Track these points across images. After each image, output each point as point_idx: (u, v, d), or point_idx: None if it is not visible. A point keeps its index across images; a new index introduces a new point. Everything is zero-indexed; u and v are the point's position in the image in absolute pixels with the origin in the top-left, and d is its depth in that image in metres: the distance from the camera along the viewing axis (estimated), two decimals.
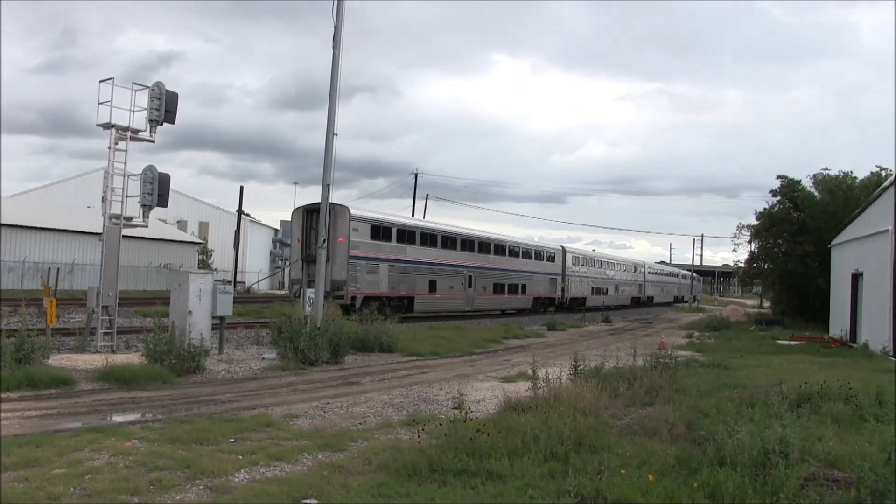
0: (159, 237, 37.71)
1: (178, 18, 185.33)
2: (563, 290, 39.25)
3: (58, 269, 20.26)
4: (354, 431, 7.37)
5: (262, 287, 45.29)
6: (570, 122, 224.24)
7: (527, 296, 34.83)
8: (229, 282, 29.98)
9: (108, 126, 13.16)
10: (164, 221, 42.26)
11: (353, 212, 23.05)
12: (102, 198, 13.46)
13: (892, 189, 17.05)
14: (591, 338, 23.13)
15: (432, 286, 26.77)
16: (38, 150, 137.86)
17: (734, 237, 39.49)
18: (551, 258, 38.31)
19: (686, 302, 64.45)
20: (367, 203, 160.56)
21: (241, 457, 6.07)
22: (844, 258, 24.05)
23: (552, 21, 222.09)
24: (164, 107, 13.42)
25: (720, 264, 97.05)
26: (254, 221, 52.67)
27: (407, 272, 25.42)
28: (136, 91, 13.44)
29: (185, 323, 12.18)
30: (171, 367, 10.69)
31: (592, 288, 44.36)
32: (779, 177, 34.34)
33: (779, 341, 21.48)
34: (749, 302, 72.59)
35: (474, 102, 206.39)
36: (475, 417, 7.12)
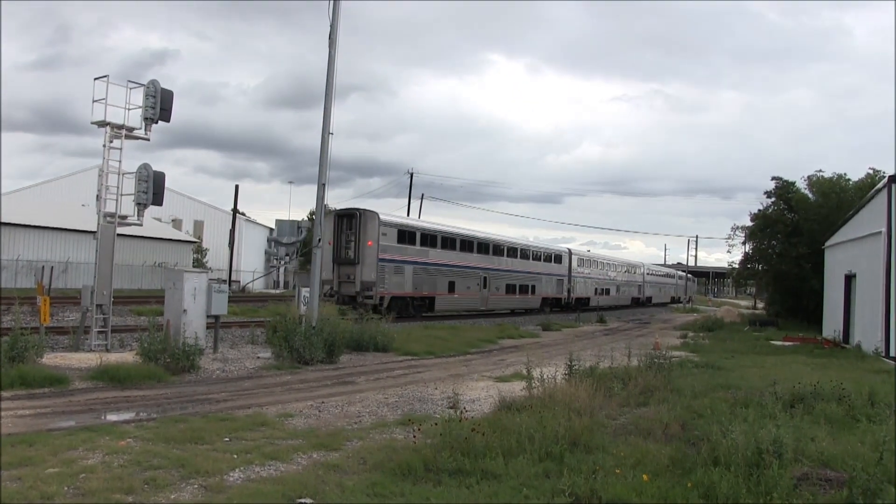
0: (154, 236, 37.56)
1: (172, 16, 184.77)
2: (569, 291, 40.55)
3: (52, 267, 20.15)
4: (349, 431, 7.37)
5: (257, 286, 45.19)
6: (565, 122, 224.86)
7: (536, 296, 36.21)
8: (224, 281, 29.98)
9: (102, 124, 13.10)
10: (159, 220, 42.09)
11: (382, 217, 24.37)
12: (97, 196, 13.40)
13: (885, 191, 17.16)
14: (586, 338, 23.18)
15: (451, 287, 28.19)
16: (32, 148, 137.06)
17: (729, 238, 39.68)
18: (558, 260, 39.67)
19: (681, 302, 65.06)
20: (362, 202, 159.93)
21: (235, 456, 6.05)
22: (838, 259, 24.19)
23: (547, 21, 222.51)
24: (160, 105, 13.37)
25: (715, 265, 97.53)
26: (249, 220, 52.55)
27: (429, 273, 26.78)
28: (130, 89, 13.39)
29: (180, 322, 12.14)
30: (165, 366, 10.65)
31: (596, 288, 45.65)
32: (773, 178, 34.54)
33: (773, 342, 21.57)
34: (743, 303, 72.93)
35: (469, 102, 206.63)
36: (470, 417, 7.13)
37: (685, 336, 24.20)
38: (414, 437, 6.38)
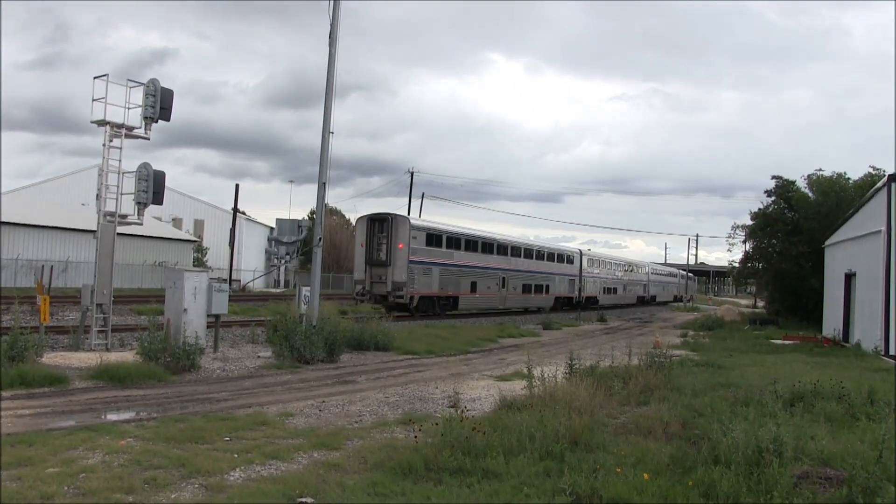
0: (154, 235, 37.53)
1: (171, 15, 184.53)
2: (580, 290, 41.99)
3: (51, 266, 20.13)
4: (350, 430, 7.37)
5: (258, 285, 45.17)
6: (564, 121, 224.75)
7: (550, 295, 37.84)
8: (224, 280, 29.97)
9: (102, 123, 13.08)
10: (159, 219, 42.05)
11: (412, 222, 26.15)
12: (97, 195, 13.39)
13: (885, 190, 17.15)
14: (586, 337, 23.18)
15: (473, 287, 29.75)
16: (31, 148, 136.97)
17: (729, 237, 39.81)
18: (570, 261, 41.31)
19: (682, 301, 65.51)
20: (362, 201, 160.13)
21: (236, 455, 6.05)
22: (838, 258, 24.18)
23: (547, 21, 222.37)
24: (160, 104, 13.35)
25: (715, 264, 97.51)
26: (249, 219, 52.50)
27: (454, 274, 28.31)
28: (130, 88, 13.37)
29: (181, 321, 12.14)
30: (165, 366, 10.65)
31: (604, 288, 47.32)
32: (773, 177, 34.55)
33: (773, 341, 21.57)
34: (743, 301, 72.95)
35: (469, 101, 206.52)
36: (471, 416, 7.12)
37: (685, 335, 24.20)
38: (415, 436, 6.38)
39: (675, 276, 70.55)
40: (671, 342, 20.04)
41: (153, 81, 13.45)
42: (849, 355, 16.89)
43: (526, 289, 34.80)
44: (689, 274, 74.96)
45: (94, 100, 13.08)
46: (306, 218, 54.21)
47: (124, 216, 13.60)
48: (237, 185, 45.33)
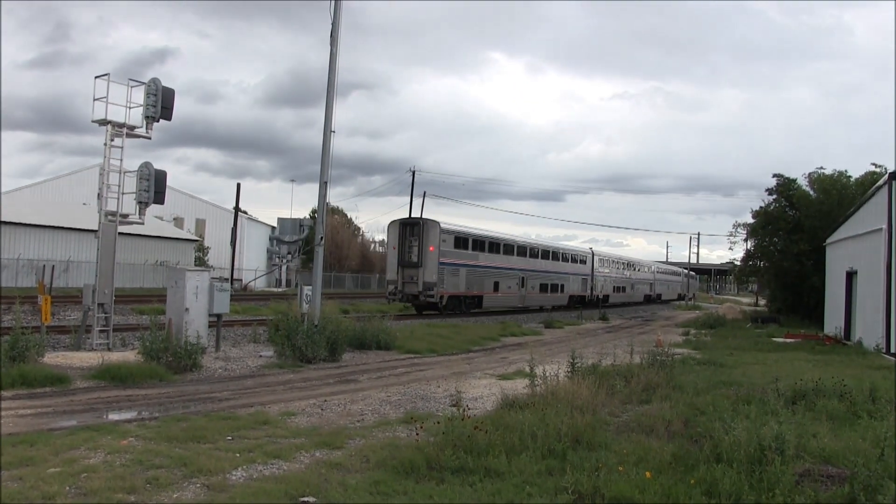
0: (155, 234, 37.55)
1: (172, 14, 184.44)
2: (591, 289, 43.49)
3: (53, 266, 20.14)
4: (352, 429, 7.36)
5: (259, 284, 45.20)
6: (565, 120, 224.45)
7: (564, 294, 39.32)
8: (226, 279, 29.90)
9: (103, 122, 13.09)
10: (161, 219, 42.07)
11: (442, 226, 27.38)
12: (98, 194, 13.39)
13: (886, 188, 17.12)
14: (588, 335, 23.17)
15: (496, 286, 31.32)
16: (31, 147, 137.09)
17: (730, 235, 39.70)
18: (583, 261, 42.73)
19: (685, 300, 65.90)
20: (363, 200, 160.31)
21: (238, 455, 6.05)
22: (839, 256, 24.15)
23: (548, 20, 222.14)
24: (161, 103, 13.35)
25: (716, 262, 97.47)
26: (251, 219, 52.52)
27: (478, 275, 29.89)
28: (132, 87, 13.37)
29: (182, 320, 12.14)
30: (167, 365, 10.65)
31: (614, 286, 48.55)
32: (774, 175, 34.48)
33: (774, 339, 21.54)
34: (745, 300, 72.87)
35: (470, 100, 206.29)
36: (473, 415, 7.12)
37: (687, 333, 24.19)
38: (417, 435, 6.37)
39: (679, 274, 71.53)
40: (673, 340, 20.02)
41: (154, 81, 13.44)
42: (850, 353, 16.87)
43: (543, 288, 36.45)
44: (691, 272, 75.17)
45: (95, 99, 13.09)
46: (308, 217, 54.18)
47: (126, 215, 13.61)
48: (238, 185, 45.29)
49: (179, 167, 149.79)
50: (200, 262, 42.33)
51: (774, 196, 34.13)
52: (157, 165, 13.62)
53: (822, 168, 34.35)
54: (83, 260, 31.27)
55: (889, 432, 5.89)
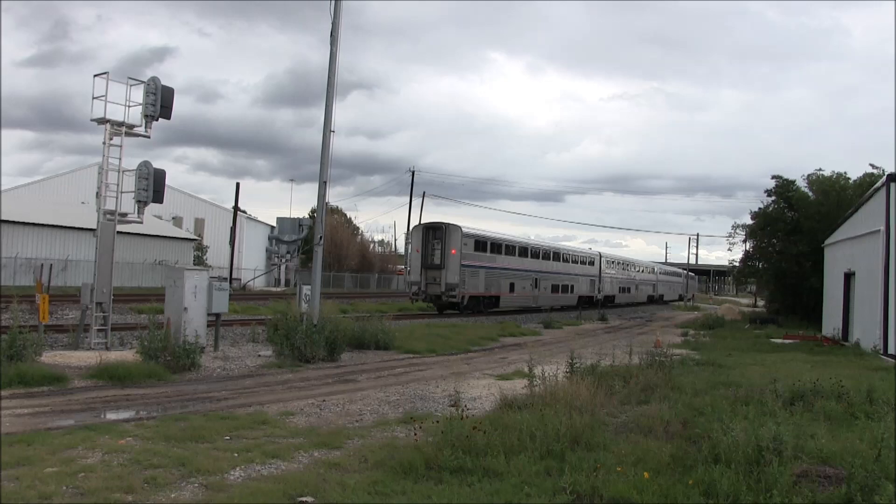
0: (154, 233, 37.49)
1: (171, 13, 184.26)
2: (599, 290, 44.83)
3: (51, 265, 20.09)
4: (350, 429, 7.36)
5: (258, 284, 45.16)
6: (565, 120, 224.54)
7: (574, 294, 40.72)
8: (225, 279, 29.90)
9: (102, 121, 13.07)
10: (160, 218, 42.02)
11: (464, 230, 28.77)
12: (97, 193, 13.37)
13: (884, 189, 17.13)
14: (588, 336, 23.17)
15: (512, 287, 32.85)
16: (30, 145, 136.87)
17: (729, 236, 39.74)
18: (591, 263, 44.31)
19: (684, 300, 66.34)
20: (363, 200, 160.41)
21: (236, 454, 6.04)
22: (837, 258, 24.17)
23: (548, 20, 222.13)
24: (160, 102, 13.33)
25: (715, 263, 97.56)
26: (250, 218, 52.46)
27: (496, 276, 31.25)
28: (131, 86, 13.35)
29: (181, 320, 12.12)
30: (165, 365, 10.64)
31: (619, 287, 49.91)
32: (773, 177, 34.51)
33: (773, 340, 21.57)
34: (744, 301, 72.95)
35: (470, 100, 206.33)
36: (471, 415, 7.12)
37: (686, 334, 24.19)
38: (415, 435, 6.37)
39: (680, 275, 72.33)
40: (672, 341, 20.03)
41: (154, 79, 13.42)
42: (848, 354, 16.89)
43: (554, 288, 37.96)
44: (691, 273, 75.51)
45: (94, 98, 13.07)
46: (307, 216, 54.20)
47: (124, 214, 13.59)
48: (238, 184, 45.28)
49: (178, 166, 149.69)
50: (199, 261, 42.27)
51: (773, 197, 34.17)
52: (156, 164, 13.62)
53: (820, 169, 34.43)
54: (81, 259, 31.22)
55: (886, 433, 5.90)
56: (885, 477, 4.96)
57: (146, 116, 13.40)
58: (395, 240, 73.29)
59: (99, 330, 13.05)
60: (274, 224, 53.26)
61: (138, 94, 13.32)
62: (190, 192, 52.80)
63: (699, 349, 18.00)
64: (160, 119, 13.53)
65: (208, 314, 13.01)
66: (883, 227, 17.01)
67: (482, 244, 30.30)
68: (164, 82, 13.47)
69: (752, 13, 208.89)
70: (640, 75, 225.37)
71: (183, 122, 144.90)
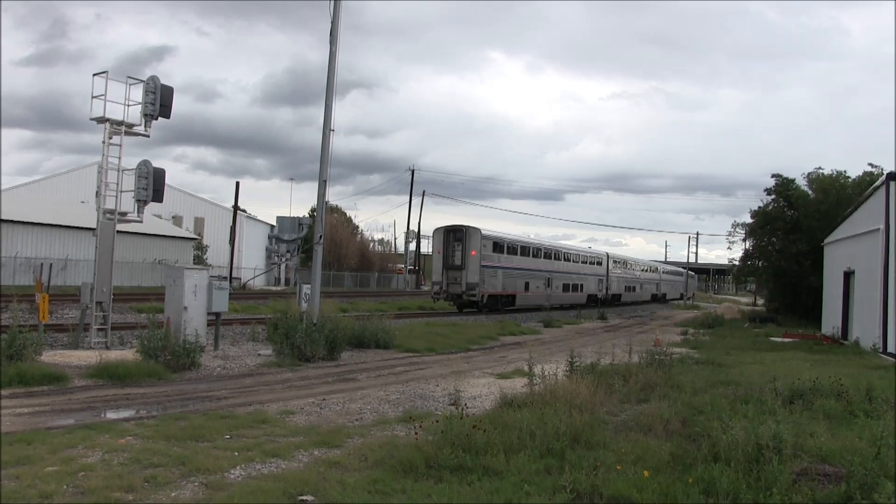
0: (154, 233, 37.48)
1: (170, 12, 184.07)
2: (606, 289, 46.14)
3: (50, 264, 20.09)
4: (350, 428, 7.36)
5: (258, 283, 45.15)
6: (565, 119, 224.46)
7: (583, 293, 42.17)
8: (225, 278, 29.93)
9: (102, 120, 13.06)
10: (159, 217, 42.00)
11: (483, 232, 30.31)
12: (97, 193, 13.36)
13: (884, 188, 17.14)
14: (587, 335, 23.18)
15: (527, 287, 34.39)
16: (29, 145, 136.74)
17: (729, 235, 39.70)
18: (599, 263, 45.82)
19: (684, 299, 66.66)
20: (363, 199, 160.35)
21: (236, 453, 6.05)
22: (837, 256, 24.18)
23: (547, 19, 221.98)
24: (160, 101, 13.32)
25: (715, 262, 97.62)
26: (250, 217, 52.43)
27: (512, 276, 32.78)
28: (130, 85, 13.33)
29: (181, 319, 12.12)
30: (165, 364, 10.64)
31: (625, 286, 51.25)
32: (773, 175, 34.46)
33: (772, 338, 21.56)
34: (743, 299, 72.96)
35: (469, 99, 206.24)
36: (471, 414, 7.12)
37: (686, 333, 24.20)
38: (415, 433, 6.37)
39: (681, 274, 72.90)
40: (671, 340, 20.04)
41: (153, 78, 13.41)
42: (847, 353, 16.89)
43: (565, 288, 39.50)
44: (690, 272, 75.70)
45: (93, 97, 13.05)
46: (307, 215, 54.17)
47: (124, 214, 13.58)
48: (237, 183, 45.43)
49: (178, 165, 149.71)
50: (199, 260, 42.26)
51: (773, 196, 34.13)
52: (156, 163, 13.61)
53: (820, 168, 34.37)
54: (81, 258, 31.21)
55: (885, 431, 5.89)
56: (884, 475, 4.96)
57: (145, 115, 13.39)
58: (395, 239, 73.37)
59: (99, 329, 13.05)
60: (274, 223, 53.25)
61: (137, 94, 13.32)
62: (190, 192, 52.83)
63: (699, 348, 18.00)
64: (159, 118, 13.53)
65: (208, 313, 13.01)
66: (882, 226, 17.01)
67: (500, 245, 31.79)
68: (164, 81, 13.47)
69: (752, 13, 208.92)
70: (640, 75, 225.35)
71: (182, 121, 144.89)
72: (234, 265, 39.88)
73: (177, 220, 47.53)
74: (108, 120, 13.02)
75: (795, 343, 20.05)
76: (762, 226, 33.98)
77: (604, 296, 45.20)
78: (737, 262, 39.83)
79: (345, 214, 67.00)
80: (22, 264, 30.22)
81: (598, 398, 8.14)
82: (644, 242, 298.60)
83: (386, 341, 15.44)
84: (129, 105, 13.26)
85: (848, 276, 21.67)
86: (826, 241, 26.64)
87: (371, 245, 67.23)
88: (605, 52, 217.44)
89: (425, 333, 18.15)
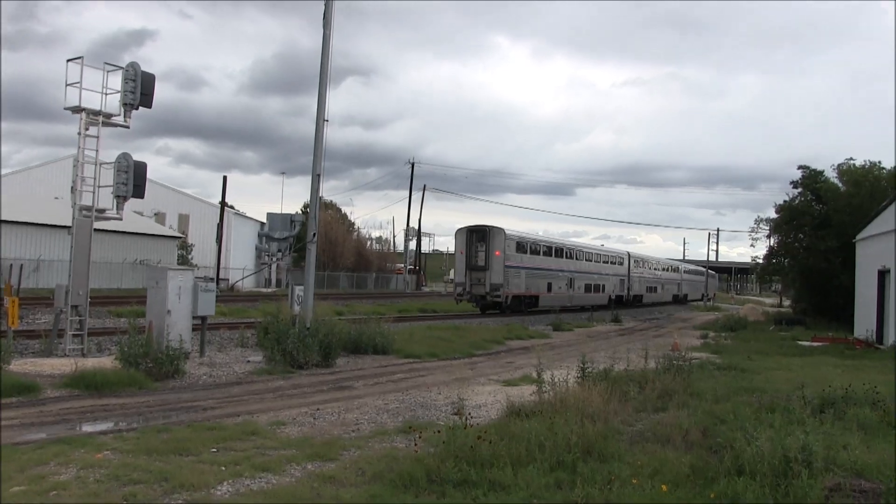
0: (135, 231, 37.58)
1: None
2: (628, 289, 47.68)
3: (21, 265, 20.15)
4: (346, 439, 7.36)
5: (247, 284, 45.23)
6: (574, 107, 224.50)
7: (605, 294, 43.65)
8: (211, 279, 30.00)
9: (77, 110, 13.07)
10: (141, 214, 42.10)
11: (507, 232, 31.70)
12: (72, 188, 13.37)
13: None
14: (600, 338, 23.19)
15: (549, 287, 35.98)
16: None
17: (752, 231, 39.72)
18: (620, 263, 47.28)
19: (704, 300, 67.05)
20: (359, 194, 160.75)
21: (224, 468, 6.05)
22: (870, 254, 24.11)
23: (555, 1, 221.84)
24: (140, 89, 13.33)
25: (737, 260, 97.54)
26: (238, 214, 52.57)
27: (535, 276, 34.36)
28: (108, 72, 13.34)
29: (164, 323, 12.14)
30: (147, 372, 10.65)
31: (647, 287, 52.78)
32: (800, 167, 34.42)
33: (800, 342, 21.56)
34: (768, 300, 73.00)
35: (472, 87, 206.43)
36: (476, 424, 7.12)
37: (706, 336, 24.21)
38: (416, 445, 6.37)
39: (702, 273, 73.43)
40: (690, 344, 20.02)
41: (133, 65, 13.42)
42: (883, 358, 16.87)
43: (587, 288, 40.94)
44: (711, 271, 75.80)
45: (67, 84, 13.06)
46: (299, 212, 54.26)
47: (102, 210, 13.60)
48: (225, 178, 45.53)
49: (160, 158, 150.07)
50: (184, 260, 42.37)
51: (800, 189, 34.08)
52: (137, 156, 13.63)
53: (851, 159, 34.18)
54: (55, 258, 31.27)
55: None
56: None
57: (125, 105, 13.40)
58: (394, 237, 73.40)
59: (74, 335, 13.08)
60: (264, 220, 53.35)
61: (116, 81, 13.32)
62: (173, 187, 52.91)
63: (720, 352, 18.00)
64: (140, 108, 13.54)
65: (193, 317, 13.03)
66: None
67: (522, 246, 33.26)
68: (144, 68, 13.47)
69: None
70: (654, 60, 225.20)
71: (164, 110, 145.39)
72: (222, 265, 39.96)
73: (159, 218, 47.65)
74: (83, 109, 13.03)
75: (825, 347, 20.03)
76: (788, 221, 33.92)
77: (626, 297, 46.68)
78: (760, 261, 39.83)
79: (340, 211, 67.14)
80: None
81: (611, 406, 8.13)
82: (661, 240, 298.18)
83: (384, 346, 15.45)
84: (106, 93, 13.28)
85: (883, 275, 21.61)
86: (858, 237, 26.56)
87: (368, 243, 67.40)
88: (617, 36, 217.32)
89: (426, 338, 18.17)
